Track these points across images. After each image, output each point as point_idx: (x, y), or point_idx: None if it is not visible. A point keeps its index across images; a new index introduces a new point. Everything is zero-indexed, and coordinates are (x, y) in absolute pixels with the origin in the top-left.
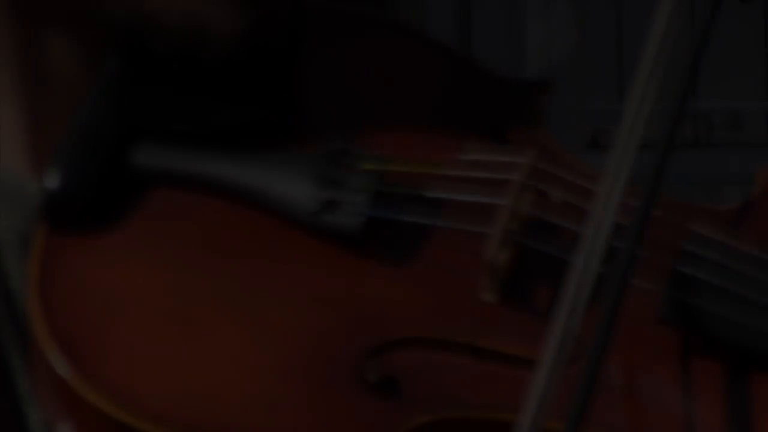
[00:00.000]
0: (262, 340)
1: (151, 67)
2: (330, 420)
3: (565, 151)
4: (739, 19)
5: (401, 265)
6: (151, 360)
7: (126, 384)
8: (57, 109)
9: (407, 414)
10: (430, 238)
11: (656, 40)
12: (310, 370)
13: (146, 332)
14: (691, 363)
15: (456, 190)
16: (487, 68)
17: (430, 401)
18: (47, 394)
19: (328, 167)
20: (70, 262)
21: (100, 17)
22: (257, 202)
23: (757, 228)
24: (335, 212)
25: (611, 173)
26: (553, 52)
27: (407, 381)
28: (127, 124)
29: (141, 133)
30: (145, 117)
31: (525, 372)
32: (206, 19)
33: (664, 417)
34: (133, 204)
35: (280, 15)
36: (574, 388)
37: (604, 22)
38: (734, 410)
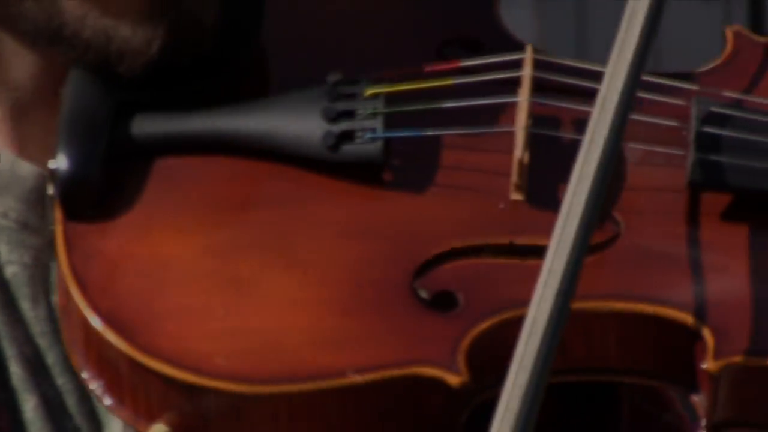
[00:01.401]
0: (309, 281)
1: None
2: (397, 345)
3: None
4: (700, 18)
5: (426, 180)
6: (207, 320)
7: (189, 348)
8: (30, 95)
9: (470, 322)
10: (449, 149)
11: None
12: (364, 300)
13: (195, 294)
14: (726, 223)
15: (467, 96)
16: None
17: (488, 306)
18: (111, 377)
19: (333, 100)
20: (98, 244)
21: (22, 26)
22: (268, 149)
23: (741, 77)
24: (352, 142)
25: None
26: None
27: (462, 291)
28: (118, 97)
29: (135, 104)
30: (134, 89)
31: None
32: (116, 35)
33: (708, 277)
34: (145, 176)
35: (196, 24)
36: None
37: (564, 14)
38: (761, 265)
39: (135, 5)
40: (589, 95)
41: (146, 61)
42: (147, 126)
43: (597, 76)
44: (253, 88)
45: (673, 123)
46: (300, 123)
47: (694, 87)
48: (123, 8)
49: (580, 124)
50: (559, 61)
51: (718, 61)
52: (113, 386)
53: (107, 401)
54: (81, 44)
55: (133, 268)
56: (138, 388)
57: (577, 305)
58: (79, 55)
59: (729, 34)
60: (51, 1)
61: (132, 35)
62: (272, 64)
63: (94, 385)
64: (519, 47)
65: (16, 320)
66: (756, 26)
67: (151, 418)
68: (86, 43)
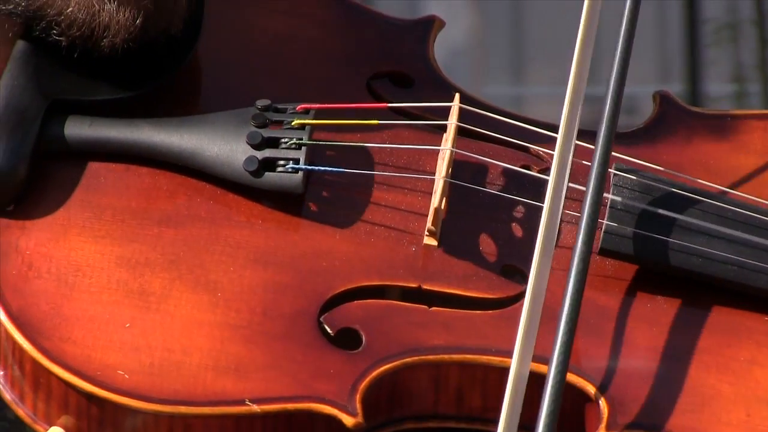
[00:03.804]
0: (218, 303)
1: (58, 50)
2: (297, 379)
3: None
4: None
5: (345, 214)
6: (113, 331)
7: (93, 357)
8: None
9: (371, 364)
10: (369, 189)
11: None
12: (270, 329)
13: (104, 304)
14: (636, 293)
15: (391, 140)
16: (379, 12)
17: (390, 349)
18: (15, 374)
19: (260, 125)
20: (16, 241)
21: (1, 5)
22: (191, 166)
23: (664, 145)
24: (274, 170)
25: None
26: (451, 36)
27: (366, 330)
28: (49, 98)
29: (67, 105)
30: (66, 90)
31: (473, 311)
32: (102, 9)
33: (612, 346)
34: (70, 179)
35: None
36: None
37: (502, 6)
38: (683, 336)
39: None
40: (514, 147)
41: (129, 34)
42: (76, 128)
43: (522, 131)
44: (184, 101)
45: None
46: (224, 145)
47: (616, 154)
48: None
49: (504, 174)
50: (485, 113)
51: (642, 124)
52: (15, 382)
53: (8, 395)
54: (65, 20)
55: (47, 270)
56: (39, 388)
57: (473, 358)
58: (63, 31)
59: (656, 97)
60: None
61: (117, 9)
62: (205, 81)
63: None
64: (449, 88)
65: None
66: (691, 9)
67: (50, 420)
68: (70, 19)
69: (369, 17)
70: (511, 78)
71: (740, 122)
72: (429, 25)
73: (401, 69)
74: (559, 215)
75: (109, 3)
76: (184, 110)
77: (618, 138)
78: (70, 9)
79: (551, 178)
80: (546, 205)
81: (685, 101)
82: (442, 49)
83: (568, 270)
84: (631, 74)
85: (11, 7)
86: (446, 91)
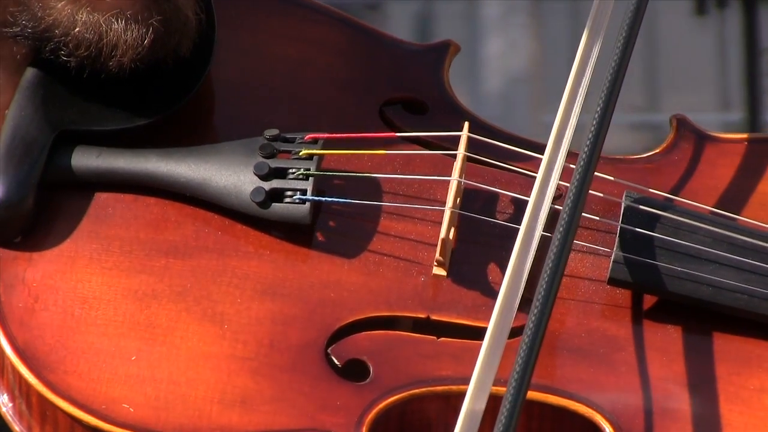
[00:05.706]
0: (224, 335)
1: (67, 74)
2: (303, 411)
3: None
4: (695, 33)
5: (353, 245)
6: (119, 364)
7: (98, 391)
8: None
9: (379, 395)
10: (377, 219)
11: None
12: (276, 361)
13: (110, 337)
14: (646, 322)
15: (400, 169)
16: (393, 37)
17: (398, 381)
18: (21, 407)
19: (267, 156)
20: (22, 273)
21: (8, 29)
22: (199, 196)
23: (679, 170)
24: (281, 201)
25: (552, 141)
26: (511, 65)
27: (374, 362)
28: (56, 128)
29: (74, 136)
30: (74, 120)
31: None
32: (109, 29)
33: (621, 375)
34: (77, 210)
35: (185, 20)
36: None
37: (561, 34)
38: (693, 365)
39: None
40: (523, 176)
41: (137, 54)
42: (84, 159)
43: (531, 159)
44: (193, 130)
45: (602, 218)
46: (232, 175)
47: (626, 182)
48: (116, 2)
49: (514, 203)
50: (494, 142)
51: (658, 149)
52: (23, 415)
53: (17, 427)
54: (72, 41)
55: (53, 303)
56: (46, 421)
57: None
58: (71, 52)
59: (673, 121)
60: (40, 4)
61: (125, 28)
62: (215, 108)
63: (6, 408)
64: (463, 115)
65: None
66: (750, 39)
67: None
68: (78, 40)
69: (382, 42)
70: None
71: (757, 147)
72: (444, 51)
73: (415, 96)
74: (533, 244)
75: (117, 23)
76: (193, 139)
77: (633, 163)
78: (78, 29)
79: (530, 201)
80: (521, 231)
81: (745, 129)
82: (502, 78)
83: (580, 300)
84: (692, 103)
85: (18, 30)
86: (461, 117)
